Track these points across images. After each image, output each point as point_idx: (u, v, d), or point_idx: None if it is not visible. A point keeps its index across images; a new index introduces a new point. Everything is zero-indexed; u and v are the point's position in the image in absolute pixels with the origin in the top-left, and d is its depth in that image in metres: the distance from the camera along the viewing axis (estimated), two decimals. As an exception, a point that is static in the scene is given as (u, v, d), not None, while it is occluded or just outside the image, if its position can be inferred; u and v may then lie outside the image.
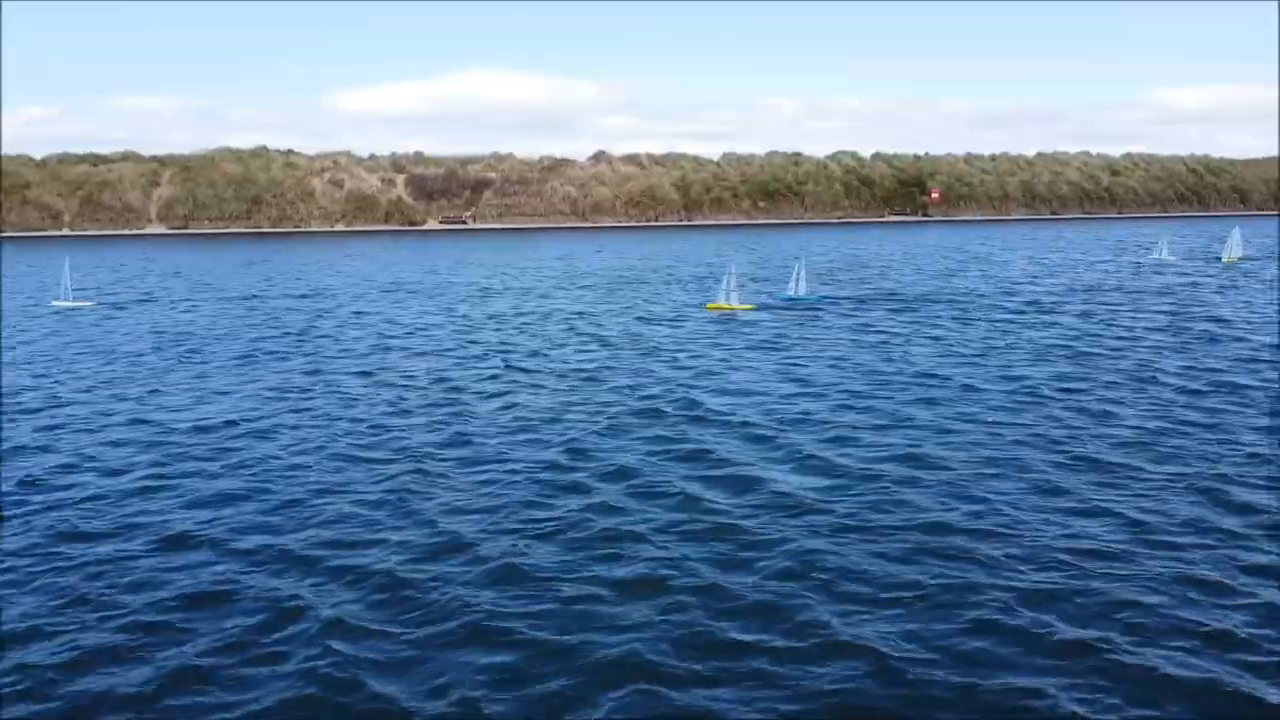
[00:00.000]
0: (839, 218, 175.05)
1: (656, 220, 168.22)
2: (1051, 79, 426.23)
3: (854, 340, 37.27)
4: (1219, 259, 75.03)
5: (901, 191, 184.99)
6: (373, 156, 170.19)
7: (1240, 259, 74.17)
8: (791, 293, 51.72)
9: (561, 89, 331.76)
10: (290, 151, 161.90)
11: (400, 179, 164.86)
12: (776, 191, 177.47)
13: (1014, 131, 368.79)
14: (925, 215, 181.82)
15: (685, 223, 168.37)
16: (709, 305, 49.52)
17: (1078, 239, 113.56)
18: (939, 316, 44.17)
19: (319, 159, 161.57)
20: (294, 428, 24.01)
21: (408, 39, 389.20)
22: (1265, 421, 23.12)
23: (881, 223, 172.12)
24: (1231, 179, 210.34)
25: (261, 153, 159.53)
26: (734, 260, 60.04)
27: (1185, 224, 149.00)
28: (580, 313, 48.02)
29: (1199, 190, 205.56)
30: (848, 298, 52.58)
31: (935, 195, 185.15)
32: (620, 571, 14.71)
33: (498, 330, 42.21)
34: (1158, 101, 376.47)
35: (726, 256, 51.57)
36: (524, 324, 44.18)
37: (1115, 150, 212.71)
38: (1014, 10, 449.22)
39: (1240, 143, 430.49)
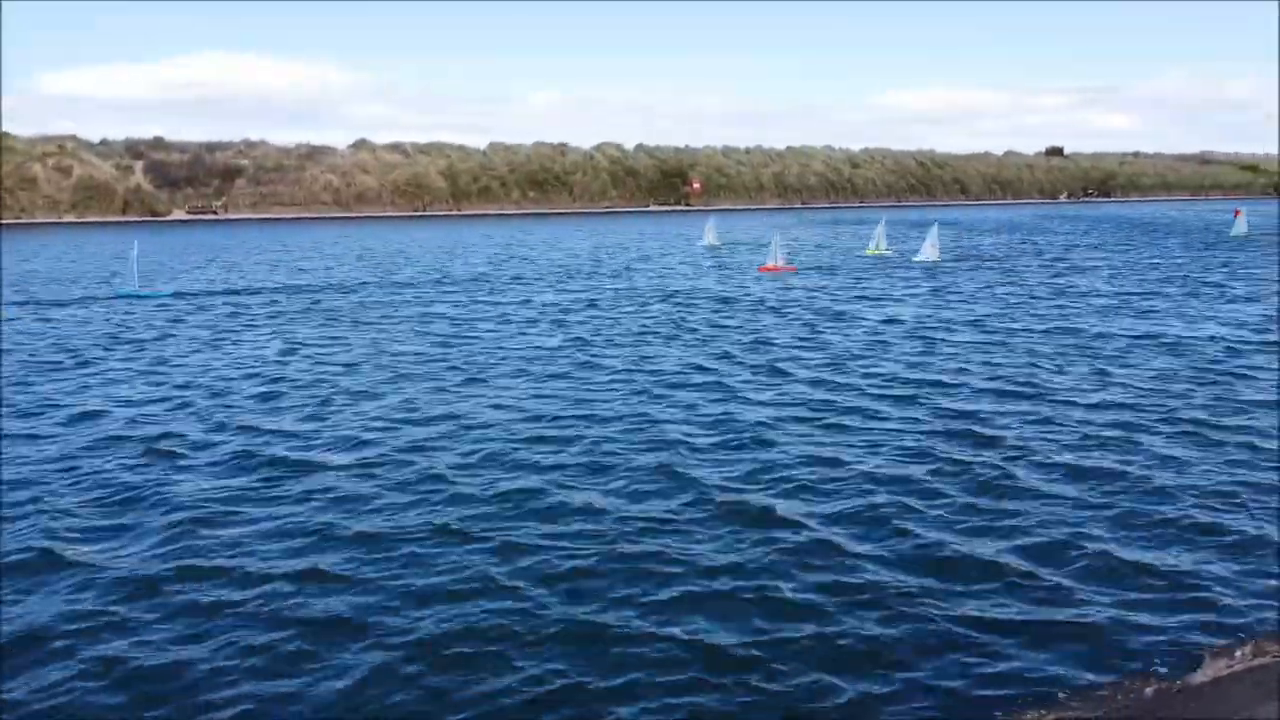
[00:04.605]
0: (605, 207, 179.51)
1: (425, 210, 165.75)
2: (791, 80, 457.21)
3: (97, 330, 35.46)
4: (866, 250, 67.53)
5: (664, 182, 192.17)
6: (105, 142, 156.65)
7: (886, 251, 65.47)
8: (132, 289, 47.16)
9: (308, 76, 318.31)
10: (5, 135, 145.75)
11: (139, 166, 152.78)
12: (545, 182, 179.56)
13: (761, 129, 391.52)
14: (687, 205, 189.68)
15: (455, 212, 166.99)
16: None
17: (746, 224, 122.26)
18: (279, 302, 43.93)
19: (39, 142, 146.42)
20: None
21: (124, 16, 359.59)
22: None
23: (646, 212, 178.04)
24: (954, 172, 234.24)
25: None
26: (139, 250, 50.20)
27: (913, 213, 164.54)
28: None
29: (927, 182, 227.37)
30: (200, 292, 48.32)
31: (696, 186, 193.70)
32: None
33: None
34: (888, 104, 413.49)
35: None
36: None
37: (855, 146, 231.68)
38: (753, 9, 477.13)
39: (954, 141, 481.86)
